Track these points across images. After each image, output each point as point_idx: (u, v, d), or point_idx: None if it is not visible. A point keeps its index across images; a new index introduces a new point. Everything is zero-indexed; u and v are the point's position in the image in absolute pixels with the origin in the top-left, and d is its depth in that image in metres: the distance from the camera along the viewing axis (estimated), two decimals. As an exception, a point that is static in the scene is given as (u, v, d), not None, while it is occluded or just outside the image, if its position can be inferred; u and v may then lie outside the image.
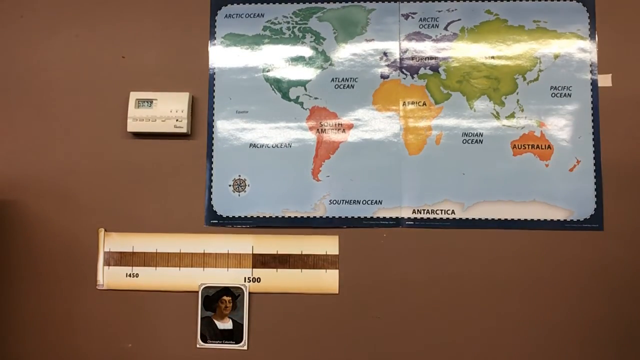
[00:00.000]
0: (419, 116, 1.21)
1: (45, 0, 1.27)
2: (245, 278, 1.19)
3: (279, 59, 1.24)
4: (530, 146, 1.19)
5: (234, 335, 1.18)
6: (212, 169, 1.22)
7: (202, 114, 1.23)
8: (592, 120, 1.18)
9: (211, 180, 1.21)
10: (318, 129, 1.22)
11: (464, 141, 1.20)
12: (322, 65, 1.23)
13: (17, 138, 1.24)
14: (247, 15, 1.25)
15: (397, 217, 1.19)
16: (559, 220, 1.17)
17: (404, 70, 1.22)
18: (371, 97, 1.22)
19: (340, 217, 1.19)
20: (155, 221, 1.21)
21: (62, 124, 1.24)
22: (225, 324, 1.18)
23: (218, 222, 1.21)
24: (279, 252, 1.19)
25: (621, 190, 1.17)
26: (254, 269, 1.19)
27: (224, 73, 1.24)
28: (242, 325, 1.18)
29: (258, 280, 1.19)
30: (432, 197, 1.18)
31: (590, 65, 1.20)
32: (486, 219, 1.17)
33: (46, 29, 1.26)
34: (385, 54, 1.23)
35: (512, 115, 1.20)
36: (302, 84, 1.23)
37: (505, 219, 1.17)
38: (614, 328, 1.15)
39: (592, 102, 1.19)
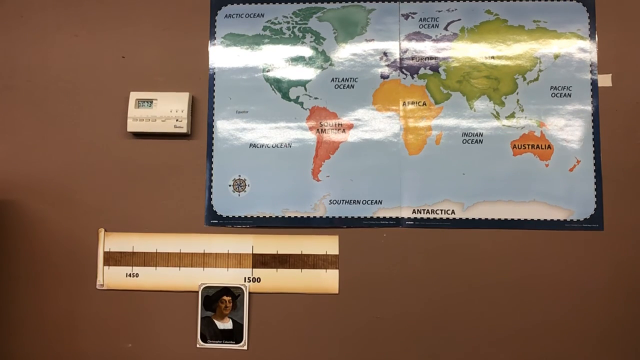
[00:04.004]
0: (419, 116, 1.21)
1: (45, 0, 1.27)
2: (245, 278, 1.19)
3: (279, 59, 1.24)
4: (530, 146, 1.19)
5: (234, 335, 1.18)
6: (212, 169, 1.22)
7: (202, 114, 1.23)
8: (592, 120, 1.18)
9: (211, 180, 1.21)
10: (318, 129, 1.22)
11: (464, 141, 1.20)
12: (322, 65, 1.23)
13: (17, 138, 1.24)
14: (247, 15, 1.25)
15: (397, 217, 1.19)
16: (559, 220, 1.17)
17: (404, 70, 1.22)
18: (371, 97, 1.22)
19: (340, 217, 1.19)
20: (155, 221, 1.21)
21: (63, 123, 1.24)
22: (225, 324, 1.18)
23: (218, 222, 1.21)
24: (279, 252, 1.19)
25: (621, 190, 1.17)
26: (254, 269, 1.19)
27: (224, 73, 1.24)
28: (242, 325, 1.18)
29: (258, 280, 1.19)
30: (432, 197, 1.18)
31: (590, 65, 1.20)
32: (486, 219, 1.17)
33: (46, 29, 1.26)
34: (385, 54, 1.23)
35: (512, 115, 1.20)
36: (302, 84, 1.23)
37: (505, 219, 1.17)
38: (614, 328, 1.15)
39: (592, 102, 1.19)
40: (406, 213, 1.19)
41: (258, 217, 1.20)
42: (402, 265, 1.18)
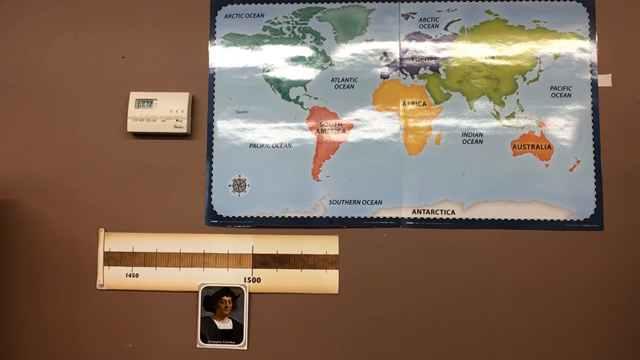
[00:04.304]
0: (419, 116, 1.21)
1: (45, 0, 1.27)
2: (245, 278, 1.19)
3: (279, 59, 1.24)
4: (530, 146, 1.19)
5: (234, 335, 1.18)
6: (212, 169, 1.22)
7: (202, 114, 1.23)
8: (592, 120, 1.18)
9: (211, 180, 1.21)
10: (318, 129, 1.22)
11: (464, 141, 1.20)
12: (322, 65, 1.23)
13: (17, 138, 1.24)
14: (247, 15, 1.25)
15: (397, 217, 1.19)
16: (559, 220, 1.17)
17: (404, 70, 1.22)
18: (371, 97, 1.22)
19: (340, 217, 1.19)
20: (155, 221, 1.21)
21: (62, 123, 1.24)
22: (225, 324, 1.18)
23: (218, 222, 1.21)
24: (279, 252, 1.19)
25: (621, 190, 1.17)
26: (254, 269, 1.19)
27: (224, 73, 1.24)
28: (242, 325, 1.18)
29: (258, 280, 1.19)
30: (432, 197, 1.18)
31: (590, 65, 1.20)
32: (486, 219, 1.17)
33: (46, 29, 1.26)
34: (385, 54, 1.23)
35: (512, 115, 1.20)
36: (302, 84, 1.23)
37: (505, 219, 1.17)
38: (614, 328, 1.15)
39: (592, 102, 1.19)
40: (406, 213, 1.19)
41: (258, 217, 1.20)
42: (402, 265, 1.18)
